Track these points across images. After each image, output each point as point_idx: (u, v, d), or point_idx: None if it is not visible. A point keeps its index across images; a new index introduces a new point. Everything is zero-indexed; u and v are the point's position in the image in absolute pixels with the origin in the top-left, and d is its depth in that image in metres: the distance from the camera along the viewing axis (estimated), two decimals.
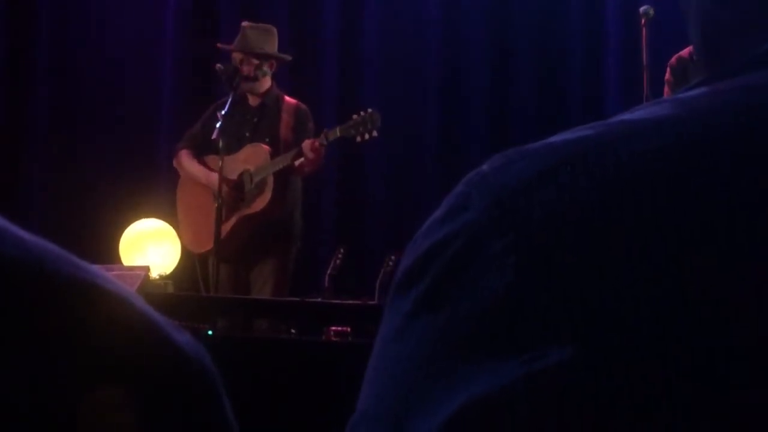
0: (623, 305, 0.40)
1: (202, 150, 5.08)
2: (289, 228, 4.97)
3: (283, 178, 4.89)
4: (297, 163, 4.79)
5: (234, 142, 4.97)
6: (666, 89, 4.54)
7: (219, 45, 5.15)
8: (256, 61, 5.00)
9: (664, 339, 0.39)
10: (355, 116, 4.78)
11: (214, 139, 4.81)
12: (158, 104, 6.53)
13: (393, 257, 5.23)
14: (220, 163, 4.78)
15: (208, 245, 4.80)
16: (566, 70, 6.75)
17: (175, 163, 5.21)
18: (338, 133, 4.76)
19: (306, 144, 4.75)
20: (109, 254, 5.39)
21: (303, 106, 5.09)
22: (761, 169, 0.41)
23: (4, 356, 0.41)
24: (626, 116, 0.46)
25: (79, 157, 6.15)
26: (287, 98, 5.10)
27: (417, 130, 6.61)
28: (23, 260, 0.44)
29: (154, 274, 4.68)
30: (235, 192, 4.94)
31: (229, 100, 4.81)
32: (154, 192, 6.22)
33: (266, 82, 5.08)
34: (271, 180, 4.88)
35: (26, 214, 5.90)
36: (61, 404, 0.42)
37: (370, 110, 4.78)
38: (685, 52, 4.53)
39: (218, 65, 4.98)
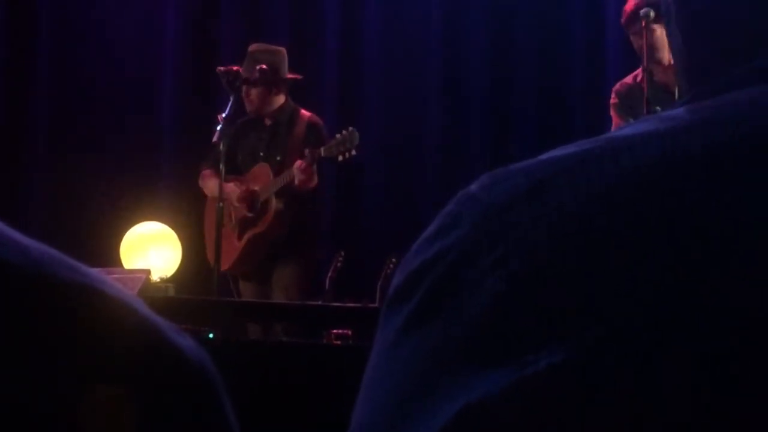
0: (613, 313, 0.40)
1: (225, 170, 5.17)
2: (298, 242, 5.03)
3: (289, 195, 4.96)
4: (295, 181, 4.87)
5: (249, 162, 5.12)
6: (612, 113, 4.65)
7: (227, 68, 5.13)
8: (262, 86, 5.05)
9: (655, 344, 0.39)
10: (338, 135, 4.86)
11: (215, 142, 4.83)
12: (159, 106, 6.53)
13: (393, 259, 5.23)
14: (222, 168, 4.81)
15: (227, 263, 4.99)
16: (567, 71, 6.75)
17: (200, 184, 5.29)
18: (322, 153, 4.85)
19: (296, 165, 4.84)
20: (110, 257, 5.38)
21: (315, 119, 5.15)
22: (752, 181, 0.41)
23: (5, 359, 0.41)
24: (613, 133, 0.47)
25: (80, 158, 6.14)
26: (303, 112, 5.16)
27: (417, 131, 6.61)
28: (23, 265, 0.44)
29: (155, 277, 4.68)
30: (245, 212, 5.05)
31: (230, 102, 4.83)
32: (155, 195, 6.22)
33: (279, 99, 5.13)
34: (273, 199, 4.97)
35: (27, 217, 5.90)
36: (62, 406, 0.42)
37: (351, 128, 4.85)
38: (628, 78, 4.68)
39: (219, 68, 5.00)
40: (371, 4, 6.71)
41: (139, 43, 6.49)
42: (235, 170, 5.13)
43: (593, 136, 0.48)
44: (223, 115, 4.80)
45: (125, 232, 5.54)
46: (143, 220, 5.63)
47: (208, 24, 6.49)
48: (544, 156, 0.47)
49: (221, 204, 4.78)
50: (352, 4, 6.70)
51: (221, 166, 4.82)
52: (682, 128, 0.45)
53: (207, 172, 5.22)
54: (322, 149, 4.85)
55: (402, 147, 6.54)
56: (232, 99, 4.84)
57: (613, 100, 4.70)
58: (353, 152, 4.83)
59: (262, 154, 5.11)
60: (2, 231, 0.45)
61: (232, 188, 5.05)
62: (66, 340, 0.43)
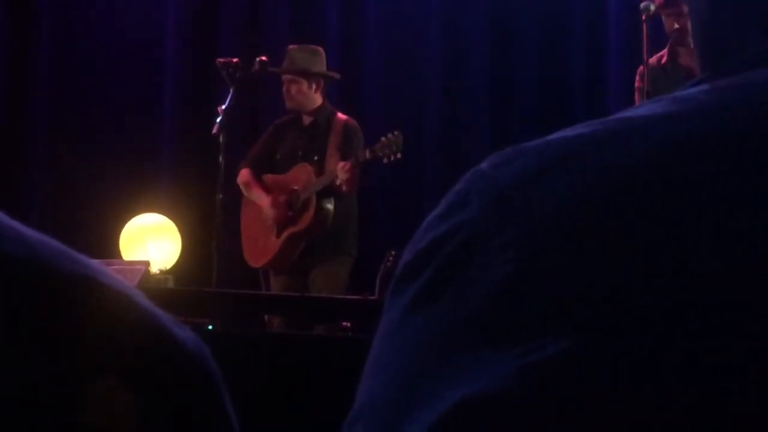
0: (621, 300, 0.40)
1: (263, 169, 5.27)
2: (340, 242, 5.10)
3: (330, 195, 5.03)
4: (338, 182, 4.94)
5: (288, 161, 5.20)
6: (636, 97, 4.57)
7: (271, 69, 5.17)
8: (303, 81, 5.14)
9: (660, 333, 0.39)
10: (383, 138, 4.93)
11: (215, 134, 4.86)
12: (159, 100, 6.52)
13: (393, 253, 5.24)
14: (221, 160, 4.84)
15: (264, 260, 5.13)
16: (568, 69, 6.73)
17: (238, 181, 5.33)
18: (367, 156, 4.92)
19: (339, 166, 4.91)
20: (110, 249, 5.38)
21: (351, 122, 5.22)
22: (758, 164, 0.41)
23: (4, 352, 0.41)
24: (624, 114, 0.46)
25: (80, 152, 6.14)
26: (339, 115, 5.24)
27: (417, 131, 6.59)
28: (23, 256, 0.44)
29: (155, 268, 4.68)
30: (285, 210, 5.10)
31: (230, 94, 4.86)
32: (155, 187, 6.21)
33: (317, 100, 5.21)
34: (314, 199, 5.03)
35: (27, 209, 5.90)
36: (61, 399, 0.42)
37: (396, 132, 4.93)
38: (653, 59, 4.56)
39: (219, 60, 5.02)
40: (371, 3, 6.69)
41: (139, 43, 6.49)
42: (273, 169, 5.23)
43: None
44: (223, 107, 4.83)
45: (125, 223, 5.54)
46: (143, 212, 5.63)
47: (208, 24, 6.49)
48: (554, 136, 0.46)
49: (220, 196, 4.82)
50: (352, 4, 6.69)
51: (221, 158, 4.86)
52: (696, 111, 0.44)
53: (245, 171, 5.27)
54: (367, 151, 4.93)
55: (402, 147, 6.53)
56: (231, 91, 4.88)
57: (637, 83, 4.58)
58: (398, 155, 4.93)
59: (300, 153, 5.17)
60: (2, 222, 0.45)
61: (264, 198, 5.16)
62: (67, 333, 0.43)
